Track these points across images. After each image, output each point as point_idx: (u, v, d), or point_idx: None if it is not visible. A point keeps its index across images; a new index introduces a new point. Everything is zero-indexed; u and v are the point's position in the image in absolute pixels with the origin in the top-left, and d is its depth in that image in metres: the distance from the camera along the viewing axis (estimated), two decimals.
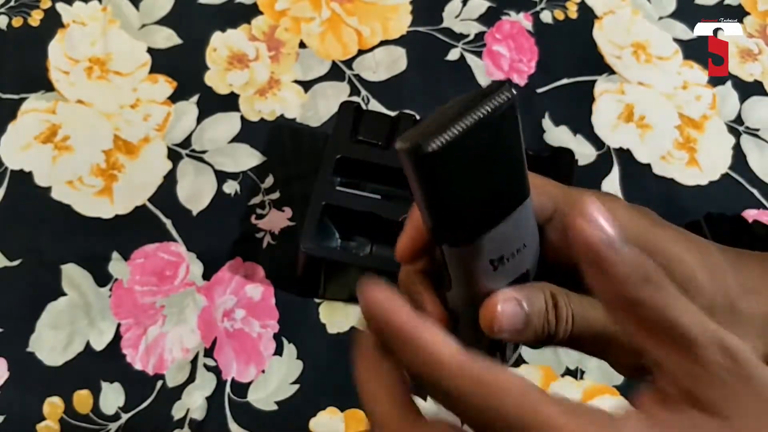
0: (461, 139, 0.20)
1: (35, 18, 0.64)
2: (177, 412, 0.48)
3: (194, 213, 0.56)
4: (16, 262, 0.53)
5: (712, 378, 0.19)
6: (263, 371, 0.50)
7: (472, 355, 0.20)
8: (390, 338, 0.21)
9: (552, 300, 0.23)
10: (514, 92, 0.20)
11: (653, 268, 0.19)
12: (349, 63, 0.64)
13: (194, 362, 0.50)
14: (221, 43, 0.64)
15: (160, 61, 0.62)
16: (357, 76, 0.63)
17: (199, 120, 0.60)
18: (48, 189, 0.56)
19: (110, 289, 0.52)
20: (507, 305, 0.22)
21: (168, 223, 0.55)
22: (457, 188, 0.21)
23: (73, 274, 0.52)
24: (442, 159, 0.20)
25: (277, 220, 0.56)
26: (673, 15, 0.71)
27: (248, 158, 0.58)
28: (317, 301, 0.53)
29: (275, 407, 0.49)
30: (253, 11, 0.66)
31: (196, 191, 0.56)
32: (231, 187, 0.57)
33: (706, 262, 0.23)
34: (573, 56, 0.67)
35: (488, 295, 0.23)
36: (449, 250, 0.22)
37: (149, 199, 0.56)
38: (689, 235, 0.24)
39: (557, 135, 0.62)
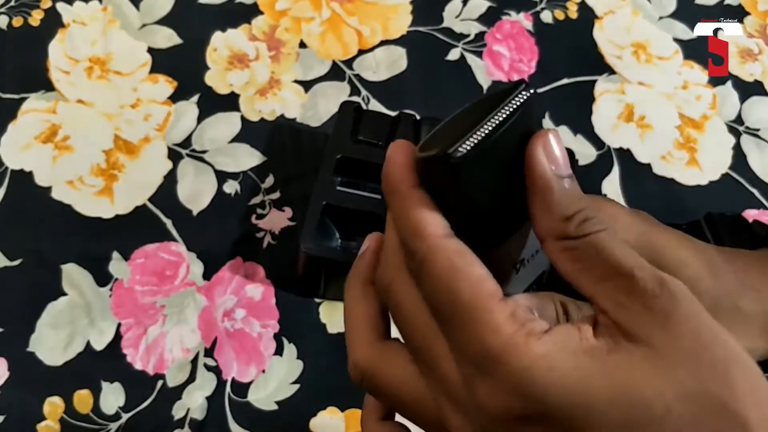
0: (487, 141, 0.19)
1: (35, 18, 0.64)
2: (177, 411, 0.48)
3: (194, 213, 0.56)
4: (16, 262, 0.53)
5: (643, 308, 0.19)
6: (263, 371, 0.50)
7: (454, 240, 0.21)
8: (391, 199, 0.22)
9: (562, 308, 0.23)
10: (533, 90, 0.20)
11: (592, 206, 0.20)
12: (349, 63, 0.64)
13: (194, 362, 0.50)
14: (221, 43, 0.64)
15: (161, 61, 0.62)
16: (357, 76, 0.63)
17: (200, 120, 0.60)
18: (48, 189, 0.56)
19: (110, 289, 0.52)
20: (518, 312, 0.22)
21: (168, 222, 0.55)
22: (485, 192, 0.20)
23: (73, 274, 0.52)
24: (471, 164, 0.19)
25: (277, 220, 0.56)
26: (673, 15, 0.71)
27: (248, 158, 0.58)
28: (317, 301, 0.53)
29: (275, 407, 0.49)
30: (254, 11, 0.66)
31: (196, 191, 0.56)
32: (231, 187, 0.57)
33: (709, 263, 0.23)
34: (573, 56, 0.67)
35: None
36: None
37: (149, 199, 0.56)
38: (689, 237, 0.24)
39: None
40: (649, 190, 0.60)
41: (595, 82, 0.65)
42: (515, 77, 0.65)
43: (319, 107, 0.61)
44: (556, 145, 0.20)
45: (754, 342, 0.24)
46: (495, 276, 0.22)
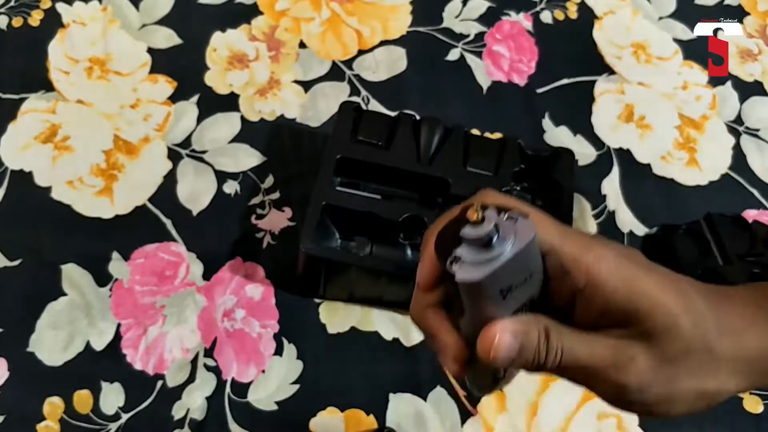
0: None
1: (35, 18, 0.64)
2: (177, 412, 0.48)
3: (194, 213, 0.56)
4: (16, 262, 0.53)
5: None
6: (263, 371, 0.50)
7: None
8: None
9: (545, 334, 0.25)
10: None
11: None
12: (349, 63, 0.64)
13: (194, 362, 0.50)
14: (221, 43, 0.64)
15: (160, 61, 0.62)
16: (357, 76, 0.63)
17: (199, 120, 0.60)
18: (48, 189, 0.56)
19: (110, 289, 0.52)
20: (504, 336, 0.24)
21: (168, 223, 0.55)
22: None
23: (73, 274, 0.52)
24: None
25: (277, 220, 0.56)
26: (673, 15, 0.71)
27: (248, 158, 0.58)
28: (317, 301, 0.53)
29: (275, 407, 0.49)
30: (253, 11, 0.66)
31: (196, 191, 0.56)
32: (231, 187, 0.57)
33: (689, 308, 0.25)
34: (573, 56, 0.67)
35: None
36: (462, 283, 0.23)
37: (149, 199, 0.56)
38: (674, 279, 0.25)
39: (557, 135, 0.62)
40: (649, 190, 0.60)
41: (595, 82, 0.65)
42: (515, 77, 0.65)
43: (319, 107, 0.61)
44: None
45: (723, 383, 0.25)
46: (480, 300, 0.24)
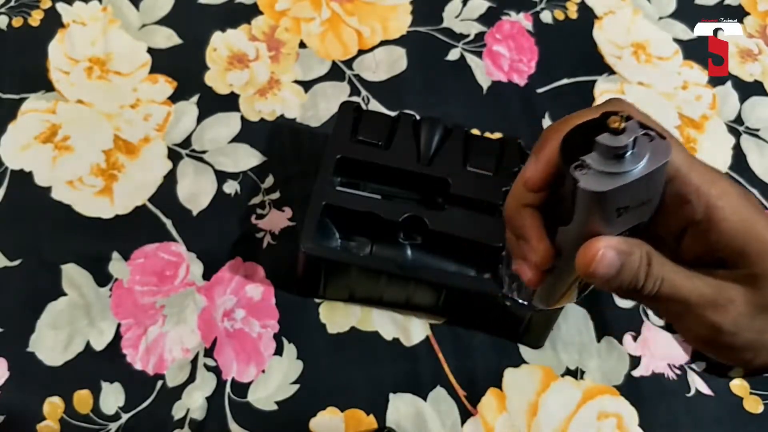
0: None
1: (35, 18, 0.64)
2: (177, 412, 0.48)
3: (194, 213, 0.56)
4: (16, 262, 0.53)
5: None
6: (263, 371, 0.50)
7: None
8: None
9: (647, 259, 0.25)
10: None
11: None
12: (349, 63, 0.64)
13: (194, 362, 0.50)
14: (221, 43, 0.64)
15: (160, 61, 0.62)
16: (357, 76, 0.63)
17: (199, 120, 0.60)
18: (48, 189, 0.56)
19: (110, 289, 0.52)
20: (607, 253, 0.24)
21: (168, 223, 0.55)
22: None
23: (73, 274, 0.52)
24: None
25: (277, 220, 0.56)
26: (673, 15, 0.71)
27: (248, 158, 0.58)
28: (317, 301, 0.53)
29: (275, 407, 0.49)
30: (254, 11, 0.66)
31: (196, 191, 0.56)
32: (231, 187, 0.57)
33: None
34: (573, 56, 0.67)
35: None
36: (584, 192, 0.22)
37: (149, 199, 0.56)
38: None
39: None
40: None
41: (594, 82, 0.65)
42: (515, 77, 0.65)
43: (319, 107, 0.61)
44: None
45: None
46: (594, 213, 0.23)
